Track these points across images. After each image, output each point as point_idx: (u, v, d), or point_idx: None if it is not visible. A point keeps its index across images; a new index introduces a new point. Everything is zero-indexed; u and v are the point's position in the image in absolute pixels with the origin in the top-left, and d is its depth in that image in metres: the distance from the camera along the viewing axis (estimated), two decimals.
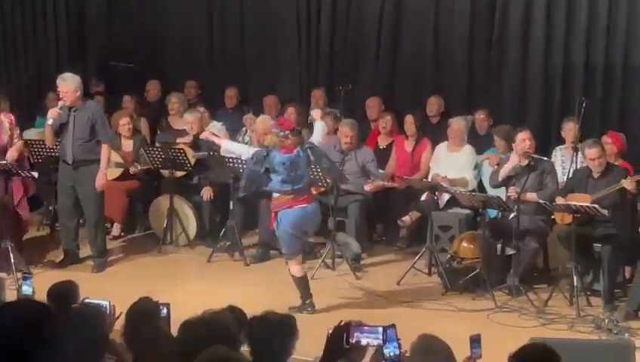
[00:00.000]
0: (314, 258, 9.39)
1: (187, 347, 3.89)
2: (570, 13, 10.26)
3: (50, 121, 8.86)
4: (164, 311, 5.46)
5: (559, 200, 8.29)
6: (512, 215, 8.50)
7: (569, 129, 9.44)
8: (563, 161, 9.38)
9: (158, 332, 4.62)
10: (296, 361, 4.38)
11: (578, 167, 8.77)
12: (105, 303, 4.92)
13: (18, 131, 9.02)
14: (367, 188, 9.38)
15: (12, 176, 8.59)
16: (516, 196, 8.32)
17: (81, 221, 9.43)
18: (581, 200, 8.12)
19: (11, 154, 8.86)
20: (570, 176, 8.74)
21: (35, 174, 8.73)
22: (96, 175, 8.90)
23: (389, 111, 10.79)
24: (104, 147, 8.96)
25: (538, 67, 10.50)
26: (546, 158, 8.79)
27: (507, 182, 8.69)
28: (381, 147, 10.51)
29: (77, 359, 3.52)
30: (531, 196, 8.34)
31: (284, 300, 8.03)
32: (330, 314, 7.47)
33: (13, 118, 9.09)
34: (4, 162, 8.58)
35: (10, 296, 6.15)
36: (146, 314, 4.84)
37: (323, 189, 9.33)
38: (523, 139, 8.61)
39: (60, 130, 8.94)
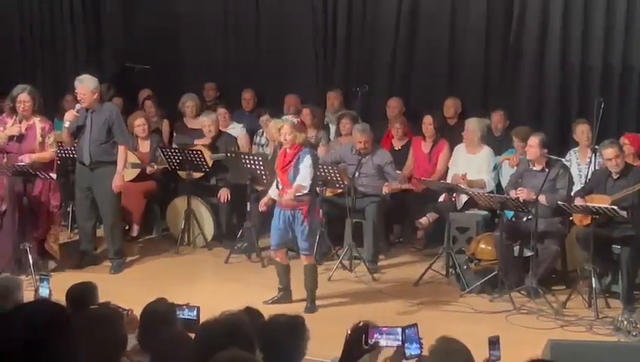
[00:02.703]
0: (331, 259, 9.39)
1: (204, 348, 3.88)
2: (588, 14, 10.22)
3: (67, 124, 8.89)
4: (194, 313, 5.46)
5: (578, 201, 8.26)
6: (525, 217, 8.50)
7: (581, 131, 9.43)
8: (579, 164, 9.35)
9: (173, 333, 4.62)
10: None
11: (596, 168, 8.73)
12: (125, 311, 4.92)
13: (52, 139, 8.95)
14: (385, 190, 9.35)
15: (30, 178, 8.60)
16: (521, 197, 8.30)
17: (98, 222, 9.45)
18: (601, 201, 8.09)
19: (29, 158, 8.79)
20: (590, 177, 8.71)
21: (54, 176, 8.75)
22: (112, 176, 8.93)
23: (401, 116, 10.79)
24: (121, 149, 8.99)
25: (555, 68, 10.46)
26: (562, 159, 8.75)
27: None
28: (396, 148, 10.50)
29: (92, 360, 3.52)
30: (541, 199, 8.30)
31: (301, 301, 8.05)
32: (348, 316, 7.43)
33: (49, 125, 8.97)
34: (23, 164, 8.60)
35: (28, 297, 6.15)
36: (160, 315, 4.84)
37: (340, 191, 9.33)
38: (531, 145, 8.61)
39: (77, 132, 8.97)
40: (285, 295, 8.15)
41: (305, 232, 7.81)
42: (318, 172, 9.08)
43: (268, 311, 4.71)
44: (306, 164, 7.71)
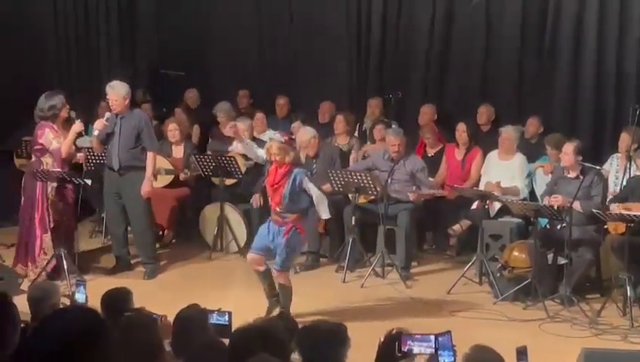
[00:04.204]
0: (364, 266, 9.38)
1: (238, 354, 3.90)
2: (623, 21, 10.16)
3: (96, 132, 8.96)
4: (225, 318, 5.46)
5: (614, 208, 8.20)
6: (559, 225, 8.44)
7: (622, 139, 9.36)
8: (617, 171, 9.29)
9: (206, 339, 4.64)
10: None
11: (632, 175, 8.67)
12: (159, 317, 4.95)
13: None
14: (411, 197, 9.32)
15: (66, 184, 8.68)
16: (556, 204, 8.25)
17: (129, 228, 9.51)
18: (636, 208, 8.02)
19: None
20: (625, 184, 8.65)
21: (89, 182, 8.83)
22: (141, 181, 8.98)
23: (431, 123, 10.78)
24: (150, 154, 9.03)
25: (590, 75, 10.41)
26: (596, 167, 8.69)
27: None
28: (429, 155, 10.48)
29: None
30: (575, 205, 8.25)
31: (334, 308, 8.06)
32: (381, 323, 7.42)
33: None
34: (59, 170, 8.69)
35: (64, 302, 6.20)
36: (193, 321, 4.86)
37: (373, 197, 9.32)
38: (565, 153, 8.57)
39: (106, 139, 9.04)
40: (273, 301, 7.89)
41: (281, 247, 7.55)
42: (350, 179, 9.14)
43: (299, 318, 4.72)
44: (309, 185, 7.61)
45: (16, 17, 12.22)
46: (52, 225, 8.77)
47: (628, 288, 7.85)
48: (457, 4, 11.24)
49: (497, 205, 9.37)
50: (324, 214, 7.95)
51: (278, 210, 7.55)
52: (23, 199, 9.02)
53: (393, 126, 10.41)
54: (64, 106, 8.89)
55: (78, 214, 9.23)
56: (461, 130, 10.17)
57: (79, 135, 8.99)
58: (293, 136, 7.65)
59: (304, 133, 9.81)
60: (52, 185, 8.74)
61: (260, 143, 10.39)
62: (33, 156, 9.03)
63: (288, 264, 7.70)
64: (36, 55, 12.53)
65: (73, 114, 9.05)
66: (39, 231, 8.82)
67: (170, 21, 13.22)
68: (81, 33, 12.97)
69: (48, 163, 8.82)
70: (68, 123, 9.02)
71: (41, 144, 8.83)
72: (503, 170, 9.67)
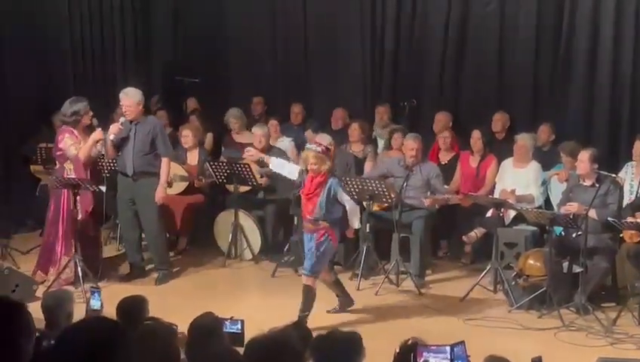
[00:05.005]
0: (378, 274, 9.36)
1: None
2: (639, 25, 10.11)
3: (111, 137, 8.97)
4: (238, 326, 5.45)
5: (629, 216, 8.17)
6: (574, 233, 8.41)
7: (636, 147, 9.33)
8: (632, 179, 9.25)
9: (221, 347, 4.64)
10: None
11: None
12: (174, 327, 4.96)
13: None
14: (427, 203, 9.30)
15: (80, 190, 8.69)
16: (572, 211, 8.22)
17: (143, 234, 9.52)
18: None
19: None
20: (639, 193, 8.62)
21: (103, 188, 8.85)
22: (154, 188, 9.00)
23: (450, 128, 10.77)
24: (164, 161, 9.06)
25: (606, 81, 10.34)
26: (612, 175, 8.65)
27: None
28: (442, 162, 10.46)
29: None
30: (591, 213, 8.22)
31: (348, 316, 8.04)
32: (395, 331, 7.42)
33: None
34: (74, 177, 8.72)
35: (78, 309, 6.22)
36: (207, 330, 4.87)
37: (387, 205, 9.31)
38: (581, 160, 8.53)
39: (120, 144, 9.06)
40: (345, 301, 8.21)
41: (311, 251, 7.64)
42: (364, 186, 9.13)
43: (313, 325, 4.71)
44: (343, 196, 7.71)
45: (30, 22, 12.25)
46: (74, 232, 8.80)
47: None
48: (472, 4, 11.21)
49: (512, 213, 9.34)
50: (356, 223, 8.06)
51: (309, 217, 7.61)
52: (50, 205, 9.04)
53: (408, 134, 10.38)
54: (87, 113, 8.94)
55: (102, 222, 9.25)
56: (476, 137, 10.15)
57: (98, 142, 8.99)
58: (330, 146, 7.67)
59: (320, 140, 9.80)
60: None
61: (278, 151, 10.42)
62: (57, 163, 9.07)
63: (318, 268, 7.74)
64: (51, 61, 12.56)
65: (95, 122, 9.08)
66: (63, 235, 8.84)
67: (186, 28, 13.24)
68: (96, 39, 12.99)
69: (71, 168, 8.87)
70: (89, 130, 9.05)
71: (61, 149, 8.88)
72: (517, 178, 9.64)
